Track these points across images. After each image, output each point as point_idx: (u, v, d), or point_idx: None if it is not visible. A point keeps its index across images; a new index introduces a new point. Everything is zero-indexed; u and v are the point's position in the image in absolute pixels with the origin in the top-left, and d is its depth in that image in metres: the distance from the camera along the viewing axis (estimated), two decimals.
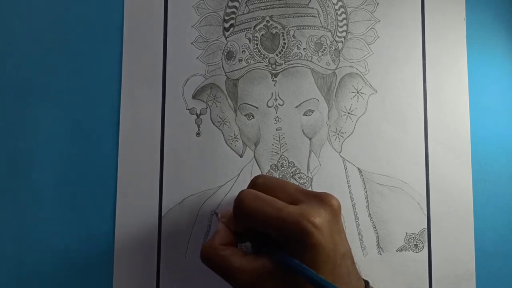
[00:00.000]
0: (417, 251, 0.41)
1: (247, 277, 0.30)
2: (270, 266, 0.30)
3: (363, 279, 0.33)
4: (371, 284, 0.33)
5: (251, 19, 0.42)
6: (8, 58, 0.42)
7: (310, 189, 0.41)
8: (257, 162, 0.42)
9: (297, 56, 0.42)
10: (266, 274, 0.30)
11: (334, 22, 0.43)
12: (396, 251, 0.41)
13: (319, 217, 0.29)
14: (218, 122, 0.42)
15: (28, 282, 0.40)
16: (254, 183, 0.33)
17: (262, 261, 0.30)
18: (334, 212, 0.30)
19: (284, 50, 0.42)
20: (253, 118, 0.42)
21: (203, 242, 0.41)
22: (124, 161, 0.41)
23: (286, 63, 0.42)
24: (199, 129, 0.42)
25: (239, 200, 0.31)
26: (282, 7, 0.42)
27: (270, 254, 0.31)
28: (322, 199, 0.31)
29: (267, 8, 0.42)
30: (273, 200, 0.31)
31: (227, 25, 0.43)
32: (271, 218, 0.30)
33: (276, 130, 0.42)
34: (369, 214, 0.42)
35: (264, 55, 0.42)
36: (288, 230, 0.29)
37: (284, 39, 0.42)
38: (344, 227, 0.32)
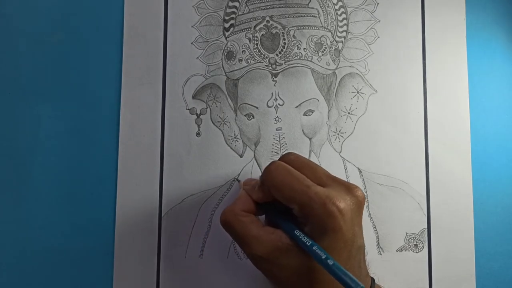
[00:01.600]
0: (417, 251, 0.41)
1: (262, 247, 0.30)
2: (286, 241, 0.30)
3: (370, 276, 0.33)
4: (376, 282, 0.33)
5: (251, 19, 0.42)
6: (8, 58, 0.42)
7: None
8: (257, 162, 0.42)
9: (297, 56, 0.42)
10: (282, 248, 0.30)
11: (334, 22, 0.43)
12: (396, 251, 0.41)
13: (344, 203, 0.29)
14: (218, 122, 0.42)
15: (28, 280, 0.40)
16: (285, 158, 0.34)
17: (280, 235, 0.31)
18: (359, 203, 0.31)
19: (284, 50, 0.42)
20: (253, 118, 0.42)
21: (203, 242, 0.41)
22: (124, 161, 0.41)
23: (286, 63, 0.42)
24: (199, 129, 0.42)
25: (269, 170, 0.32)
26: (282, 7, 0.42)
27: (289, 229, 0.31)
28: (348, 188, 0.31)
29: (267, 8, 0.42)
30: (302, 177, 0.31)
31: (227, 25, 0.43)
32: (298, 193, 0.30)
33: (276, 130, 0.42)
34: (369, 214, 0.42)
35: (264, 55, 0.42)
36: (313, 209, 0.29)
37: (284, 39, 0.42)
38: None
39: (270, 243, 0.30)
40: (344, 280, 0.27)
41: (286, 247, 0.30)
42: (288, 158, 0.33)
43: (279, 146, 0.42)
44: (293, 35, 0.42)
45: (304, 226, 0.30)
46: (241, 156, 0.42)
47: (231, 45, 0.42)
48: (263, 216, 0.36)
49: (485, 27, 0.44)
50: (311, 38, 0.42)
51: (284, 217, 0.32)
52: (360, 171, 0.42)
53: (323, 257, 0.28)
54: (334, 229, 0.29)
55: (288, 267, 0.30)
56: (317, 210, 0.29)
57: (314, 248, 0.28)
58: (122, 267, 0.40)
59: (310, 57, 0.42)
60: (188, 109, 0.42)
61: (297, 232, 0.30)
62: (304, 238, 0.29)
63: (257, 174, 0.41)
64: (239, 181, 0.40)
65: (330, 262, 0.27)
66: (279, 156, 0.41)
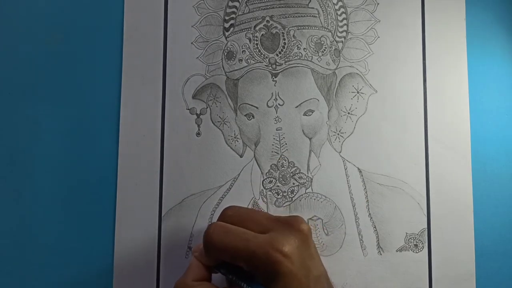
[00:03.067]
0: (417, 251, 0.41)
1: None
2: None
3: None
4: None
5: (251, 19, 0.42)
6: (8, 58, 0.42)
7: (310, 189, 0.41)
8: (257, 162, 0.42)
9: (297, 56, 0.42)
10: None
11: (334, 22, 0.43)
12: (396, 251, 0.41)
13: (288, 245, 0.29)
14: (218, 122, 0.42)
15: (28, 279, 0.40)
16: (224, 215, 0.34)
17: None
18: (304, 237, 0.31)
19: (284, 50, 0.42)
20: (253, 118, 0.42)
21: None
22: (124, 161, 0.41)
23: (286, 63, 0.42)
24: (199, 129, 0.42)
25: (208, 235, 0.32)
26: (282, 7, 0.42)
27: (242, 286, 0.31)
28: (291, 225, 0.31)
29: (267, 8, 0.42)
30: (242, 232, 0.31)
31: (227, 25, 0.43)
32: (240, 250, 0.30)
33: (276, 130, 0.42)
34: (369, 214, 0.42)
35: (264, 55, 0.42)
36: (258, 261, 0.29)
37: (284, 39, 0.42)
38: (316, 250, 0.32)
39: None
40: None
41: None
42: (226, 215, 0.34)
43: (279, 146, 0.42)
44: (293, 35, 0.42)
45: (258, 278, 0.30)
46: (241, 156, 0.42)
47: (231, 45, 0.42)
48: None
49: (485, 27, 0.44)
50: (311, 38, 0.42)
51: (238, 272, 0.32)
52: (360, 171, 0.42)
53: None
54: (284, 273, 0.29)
55: None
56: (262, 261, 0.29)
57: None
58: (122, 267, 0.40)
59: (310, 57, 0.42)
60: (188, 109, 0.42)
61: (251, 286, 0.30)
62: None
63: (257, 174, 0.41)
64: (190, 248, 0.40)
65: None
66: (279, 156, 0.41)
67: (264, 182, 0.41)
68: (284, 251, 0.29)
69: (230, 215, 0.33)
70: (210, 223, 0.41)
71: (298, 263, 0.29)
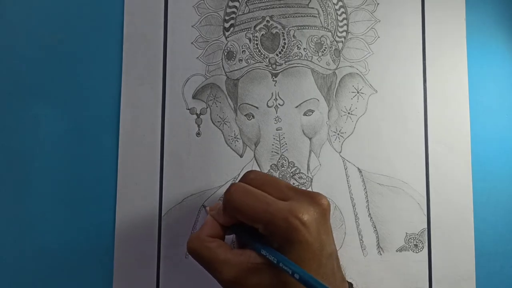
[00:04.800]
0: (417, 251, 0.41)
1: (231, 271, 0.30)
2: (255, 261, 0.30)
3: (348, 281, 0.33)
4: (354, 285, 0.33)
5: (251, 19, 0.42)
6: (8, 58, 0.42)
7: (310, 189, 0.41)
8: (257, 162, 0.42)
9: (297, 56, 0.42)
10: (251, 268, 0.30)
11: (334, 22, 0.43)
12: (396, 251, 0.41)
13: (307, 215, 0.29)
14: (218, 122, 0.42)
15: (27, 282, 0.40)
16: (246, 178, 0.33)
17: (248, 256, 0.30)
18: (323, 211, 0.31)
19: (284, 50, 0.42)
20: (253, 118, 0.42)
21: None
22: (124, 161, 0.41)
23: (286, 63, 0.42)
24: (199, 129, 0.42)
25: (229, 193, 0.32)
26: (282, 7, 0.42)
27: (256, 248, 0.30)
28: (312, 198, 0.31)
29: (267, 8, 0.42)
30: (262, 195, 0.31)
31: (227, 25, 0.43)
32: (259, 212, 0.30)
33: (276, 130, 0.42)
34: (369, 214, 0.42)
35: (264, 55, 0.42)
36: (276, 225, 0.29)
37: (284, 39, 0.42)
38: (331, 227, 0.32)
39: (240, 266, 0.30)
40: None
41: (256, 267, 0.30)
42: (248, 178, 0.33)
43: (279, 146, 0.42)
44: (293, 35, 0.42)
45: (272, 242, 0.30)
46: (241, 156, 0.42)
47: (231, 45, 0.42)
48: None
49: (485, 27, 0.44)
50: (311, 38, 0.42)
51: (252, 235, 0.32)
52: (360, 171, 0.42)
53: (290, 272, 0.28)
54: (300, 241, 0.29)
55: (262, 285, 0.30)
56: (280, 226, 0.29)
57: (281, 264, 0.28)
58: (122, 267, 0.40)
59: (310, 57, 0.42)
60: (188, 109, 0.42)
61: (263, 251, 0.30)
62: (270, 257, 0.29)
63: None
64: (205, 207, 0.40)
65: (296, 276, 0.27)
66: (279, 156, 0.41)
67: None
68: (303, 220, 0.29)
69: (252, 178, 0.33)
70: (232, 182, 0.40)
71: (315, 235, 0.29)
